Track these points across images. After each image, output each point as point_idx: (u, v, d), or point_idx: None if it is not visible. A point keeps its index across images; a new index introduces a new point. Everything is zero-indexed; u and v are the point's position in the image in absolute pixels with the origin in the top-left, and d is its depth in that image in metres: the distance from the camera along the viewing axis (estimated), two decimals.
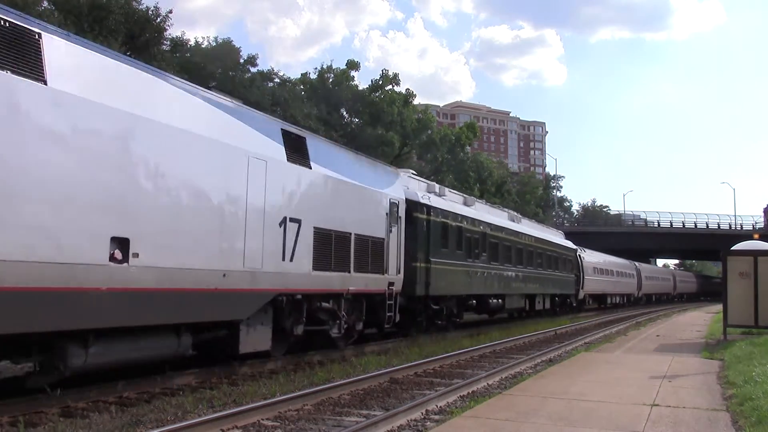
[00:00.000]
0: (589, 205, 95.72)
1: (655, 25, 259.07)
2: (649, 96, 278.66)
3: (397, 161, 39.92)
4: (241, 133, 9.49)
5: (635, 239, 63.34)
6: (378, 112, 42.92)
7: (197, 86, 9.44)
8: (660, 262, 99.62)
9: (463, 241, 17.84)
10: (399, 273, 13.91)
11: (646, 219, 70.05)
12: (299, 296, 10.73)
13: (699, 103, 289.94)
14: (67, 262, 6.74)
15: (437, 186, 17.86)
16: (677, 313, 36.41)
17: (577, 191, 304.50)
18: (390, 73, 44.07)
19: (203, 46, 37.39)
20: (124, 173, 7.45)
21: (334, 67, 43.91)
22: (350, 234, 12.04)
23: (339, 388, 8.64)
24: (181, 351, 8.66)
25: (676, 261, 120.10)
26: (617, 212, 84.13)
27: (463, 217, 18.13)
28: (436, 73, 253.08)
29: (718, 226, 62.91)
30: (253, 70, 38.10)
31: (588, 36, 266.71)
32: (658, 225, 67.00)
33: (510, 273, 21.64)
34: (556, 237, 30.97)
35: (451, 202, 18.06)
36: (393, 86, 44.12)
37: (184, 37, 36.84)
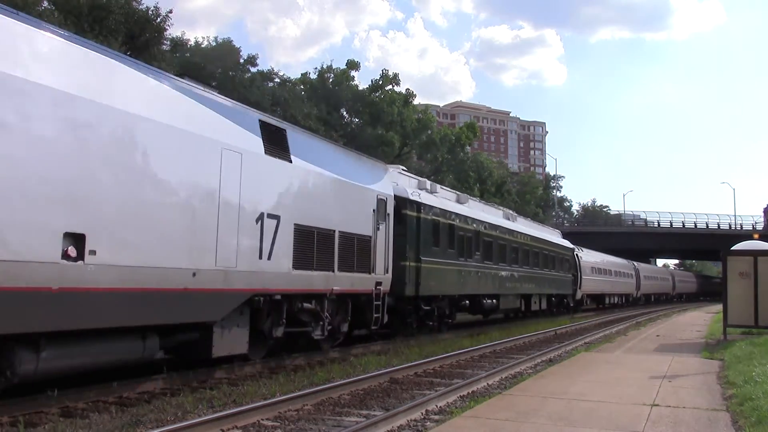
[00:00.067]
0: (589, 205, 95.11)
1: (655, 25, 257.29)
2: (649, 96, 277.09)
3: (397, 161, 39.30)
4: (213, 123, 8.84)
5: (635, 239, 62.80)
6: (378, 112, 42.58)
7: (164, 72, 8.79)
8: (660, 262, 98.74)
9: (456, 239, 17.12)
10: (387, 272, 13.24)
11: (646, 219, 69.42)
12: (278, 296, 10.08)
13: (699, 103, 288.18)
14: (12, 260, 6.12)
15: (428, 182, 17.09)
16: (677, 313, 35.98)
17: (577, 191, 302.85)
18: (390, 73, 44.01)
19: (203, 46, 37.19)
20: (78, 163, 6.80)
21: (334, 67, 43.75)
22: (334, 231, 11.39)
23: (339, 388, 8.47)
24: (147, 355, 8.04)
25: (676, 261, 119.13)
26: (617, 212, 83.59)
27: (456, 214, 17.39)
28: (436, 73, 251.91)
29: (718, 226, 62.34)
30: (253, 70, 37.93)
31: (588, 36, 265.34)
32: (658, 225, 66.41)
33: (505, 272, 20.89)
34: (553, 236, 30.15)
35: (442, 199, 17.33)
36: (393, 86, 43.88)
37: (184, 37, 36.76)
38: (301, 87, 42.03)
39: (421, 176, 19.36)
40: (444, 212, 16.62)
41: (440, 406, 7.76)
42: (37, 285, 6.35)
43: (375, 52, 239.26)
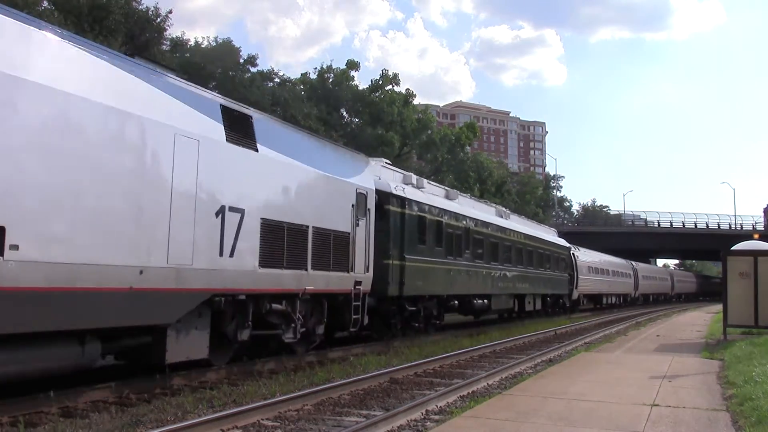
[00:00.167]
0: (589, 205, 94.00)
1: (655, 25, 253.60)
2: (649, 96, 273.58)
3: (397, 161, 38.52)
4: (165, 106, 7.90)
5: (635, 239, 61.89)
6: (378, 112, 41.79)
7: (107, 48, 7.84)
8: (660, 262, 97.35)
9: (444, 236, 16.05)
10: (368, 271, 12.24)
11: (646, 219, 68.40)
12: (243, 297, 9.14)
13: (699, 103, 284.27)
14: None
15: (414, 177, 15.99)
16: (677, 313, 35.28)
17: (577, 191, 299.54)
18: (390, 73, 43.15)
19: (203, 46, 36.60)
20: None
21: (334, 67, 42.89)
22: (307, 227, 10.44)
23: (339, 388, 8.30)
24: (86, 361, 7.11)
25: (677, 261, 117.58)
26: (617, 212, 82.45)
27: (444, 210, 16.31)
28: (436, 73, 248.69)
29: (718, 226, 61.40)
30: (253, 70, 37.27)
31: (588, 36, 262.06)
32: (658, 225, 65.48)
33: (497, 272, 19.75)
34: (549, 234, 28.93)
35: (429, 194, 16.25)
36: (393, 86, 43.09)
37: (184, 37, 36.25)
38: (301, 87, 41.29)
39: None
40: (431, 208, 15.58)
41: (440, 406, 7.62)
42: None
43: (375, 52, 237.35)
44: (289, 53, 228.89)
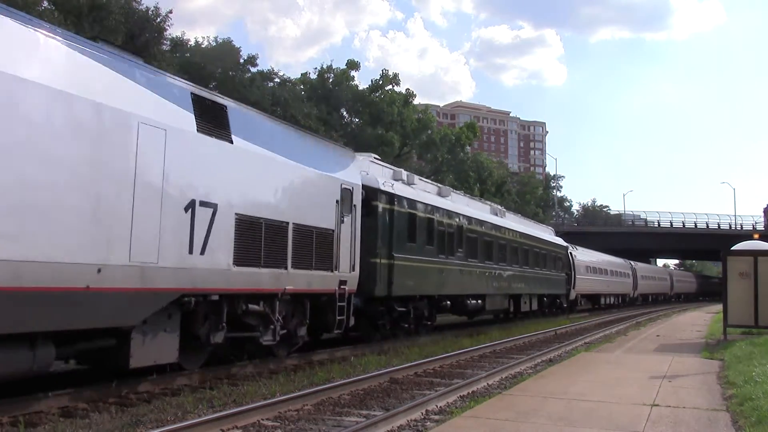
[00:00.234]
0: (589, 205, 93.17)
1: (655, 25, 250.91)
2: (649, 96, 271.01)
3: (397, 161, 37.98)
4: (127, 93, 7.30)
5: (635, 239, 61.21)
6: (378, 112, 41.26)
7: (66, 31, 7.20)
8: (660, 262, 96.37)
9: (435, 235, 15.35)
10: (353, 270, 11.59)
11: (646, 219, 67.65)
12: (215, 297, 8.53)
13: (699, 103, 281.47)
14: None
15: (405, 173, 15.27)
16: (677, 313, 34.75)
17: (577, 191, 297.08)
18: (390, 73, 42.60)
19: (203, 46, 36.15)
20: None
21: (334, 67, 42.34)
22: (287, 223, 9.81)
23: (339, 388, 8.20)
24: (39, 367, 6.49)
25: (677, 261, 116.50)
26: (617, 212, 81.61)
27: (435, 208, 15.60)
28: (436, 73, 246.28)
29: (718, 226, 60.69)
30: (253, 70, 36.79)
31: (588, 36, 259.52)
32: (658, 225, 64.78)
33: (491, 271, 19.02)
34: (545, 233, 28.12)
35: (420, 191, 15.54)
36: (393, 86, 42.55)
37: (184, 37, 35.83)
38: (301, 87, 40.76)
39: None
40: (422, 205, 14.87)
41: (440, 406, 7.54)
42: None
43: (375, 52, 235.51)
44: (289, 53, 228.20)
